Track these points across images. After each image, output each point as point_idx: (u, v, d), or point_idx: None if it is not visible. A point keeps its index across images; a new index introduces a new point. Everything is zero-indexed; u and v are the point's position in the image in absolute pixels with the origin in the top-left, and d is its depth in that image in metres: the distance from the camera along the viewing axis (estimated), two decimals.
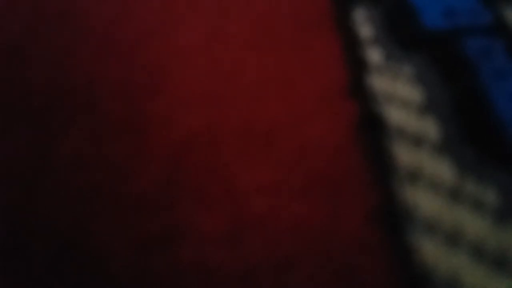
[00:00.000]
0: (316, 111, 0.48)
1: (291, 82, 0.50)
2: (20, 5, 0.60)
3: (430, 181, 0.42)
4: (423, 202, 0.41)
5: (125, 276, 0.38)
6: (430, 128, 0.46)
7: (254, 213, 0.41)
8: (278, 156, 0.45)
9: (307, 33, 0.55)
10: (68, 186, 0.44)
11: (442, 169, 0.43)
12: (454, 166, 0.43)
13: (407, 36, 0.53)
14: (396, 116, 0.47)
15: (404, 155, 0.44)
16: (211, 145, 0.46)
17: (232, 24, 0.56)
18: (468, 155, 0.44)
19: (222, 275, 0.38)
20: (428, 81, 0.49)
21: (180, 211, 0.42)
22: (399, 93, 0.49)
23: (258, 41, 0.54)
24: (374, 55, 0.52)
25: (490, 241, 0.38)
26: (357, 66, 0.51)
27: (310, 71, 0.51)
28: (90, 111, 0.49)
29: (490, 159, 0.43)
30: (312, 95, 0.49)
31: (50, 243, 0.40)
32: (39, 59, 0.54)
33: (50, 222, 0.41)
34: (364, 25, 0.55)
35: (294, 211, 0.41)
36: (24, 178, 0.44)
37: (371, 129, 0.46)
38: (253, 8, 0.58)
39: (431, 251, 0.38)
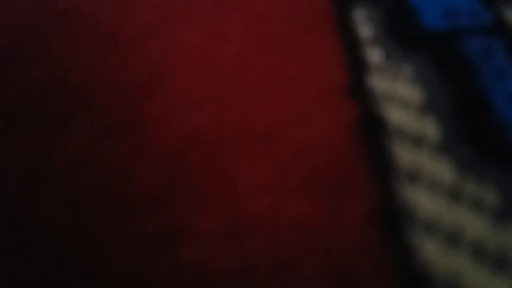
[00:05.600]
0: (316, 111, 0.48)
1: (291, 82, 0.50)
2: (20, 5, 0.60)
3: (430, 181, 0.42)
4: (423, 202, 0.41)
5: (125, 276, 0.38)
6: (430, 128, 0.46)
7: (254, 213, 0.41)
8: (278, 156, 0.45)
9: (307, 33, 0.55)
10: (68, 186, 0.44)
11: (442, 169, 0.43)
12: (454, 166, 0.43)
13: (407, 36, 0.53)
14: (396, 116, 0.47)
15: (404, 155, 0.44)
16: (211, 145, 0.46)
17: (232, 24, 0.56)
18: (468, 155, 0.44)
19: (222, 275, 0.38)
20: (428, 81, 0.49)
21: (180, 211, 0.42)
22: (399, 93, 0.49)
23: (258, 41, 0.54)
24: (374, 55, 0.52)
25: (490, 241, 0.38)
26: (357, 66, 0.51)
27: (310, 71, 0.51)
28: (90, 111, 0.49)
29: (490, 159, 0.43)
30: (312, 95, 0.49)
31: (50, 243, 0.40)
32: (39, 59, 0.54)
33: (50, 222, 0.41)
34: (364, 25, 0.55)
35: (294, 211, 0.41)
36: (25, 178, 0.44)
37: (371, 129, 0.46)
38: (253, 8, 0.58)
39: (431, 251, 0.38)
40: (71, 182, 0.44)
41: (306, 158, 0.44)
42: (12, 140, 0.47)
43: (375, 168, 0.43)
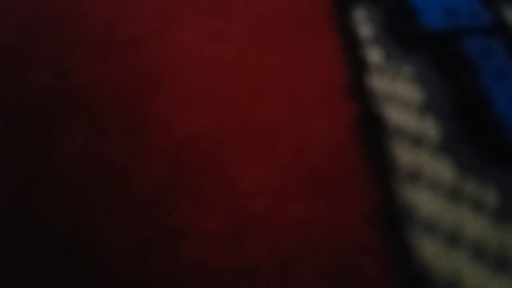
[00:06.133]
0: (316, 111, 0.48)
1: (291, 82, 0.50)
2: (20, 5, 0.60)
3: (430, 181, 0.42)
4: (423, 202, 0.41)
5: (125, 275, 0.38)
6: (430, 128, 0.46)
7: (254, 213, 0.41)
8: (278, 156, 0.45)
9: (307, 33, 0.55)
10: (69, 186, 0.44)
11: (442, 169, 0.43)
12: (454, 166, 0.43)
13: (407, 36, 0.53)
14: (396, 116, 0.47)
15: (404, 155, 0.44)
16: (211, 145, 0.46)
17: (232, 24, 0.56)
18: (468, 155, 0.44)
19: (222, 275, 0.38)
20: (428, 81, 0.49)
21: (180, 211, 0.41)
22: (399, 93, 0.49)
23: (258, 41, 0.54)
24: (374, 55, 0.52)
25: (490, 241, 0.38)
26: (357, 66, 0.51)
27: (310, 71, 0.51)
28: (89, 111, 0.49)
29: (490, 159, 0.43)
30: (312, 95, 0.49)
31: (51, 243, 0.40)
32: (39, 59, 0.54)
33: (51, 222, 0.41)
34: (364, 25, 0.55)
35: (294, 211, 0.41)
36: (25, 178, 0.44)
37: (371, 129, 0.46)
38: (253, 8, 0.58)
39: (431, 251, 0.38)
40: (71, 182, 0.44)
41: (306, 158, 0.44)
42: (12, 140, 0.47)
43: (375, 168, 0.43)
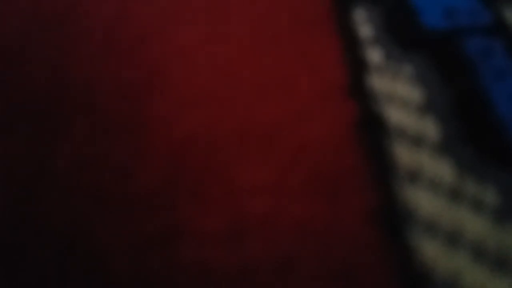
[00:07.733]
0: (316, 111, 0.48)
1: (291, 82, 0.50)
2: (20, 5, 0.60)
3: (430, 181, 0.42)
4: (423, 202, 0.41)
5: (125, 275, 0.38)
6: (430, 128, 0.46)
7: (254, 213, 0.41)
8: (278, 156, 0.45)
9: (307, 33, 0.55)
10: (69, 186, 0.44)
11: (442, 169, 0.43)
12: (454, 166, 0.43)
13: (407, 36, 0.53)
14: (396, 116, 0.47)
15: (404, 155, 0.44)
16: (210, 145, 0.46)
17: (232, 24, 0.56)
18: (468, 155, 0.44)
19: (222, 274, 0.38)
20: (428, 81, 0.49)
21: (180, 211, 0.42)
22: (399, 93, 0.49)
23: (258, 41, 0.54)
24: (374, 55, 0.52)
25: (490, 241, 0.38)
26: (357, 66, 0.51)
27: (310, 71, 0.51)
28: (90, 111, 0.49)
29: (490, 159, 0.43)
30: (312, 95, 0.49)
31: (51, 243, 0.40)
32: (39, 59, 0.54)
33: (51, 222, 0.41)
34: (364, 25, 0.55)
35: (294, 211, 0.41)
36: (25, 178, 0.44)
37: (371, 129, 0.46)
38: (253, 8, 0.58)
39: (431, 251, 0.38)
40: (71, 182, 0.44)
41: (306, 158, 0.44)
42: (13, 140, 0.47)
43: (375, 168, 0.43)
